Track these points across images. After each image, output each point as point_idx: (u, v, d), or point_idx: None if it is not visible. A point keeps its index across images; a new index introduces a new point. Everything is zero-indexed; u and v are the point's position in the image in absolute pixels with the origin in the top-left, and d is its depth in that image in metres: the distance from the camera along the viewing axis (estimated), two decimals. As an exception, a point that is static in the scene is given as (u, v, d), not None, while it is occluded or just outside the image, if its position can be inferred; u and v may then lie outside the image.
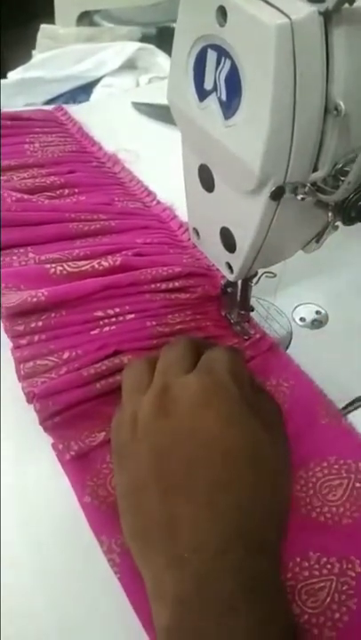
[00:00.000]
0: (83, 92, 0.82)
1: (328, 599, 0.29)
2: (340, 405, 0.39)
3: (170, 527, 0.28)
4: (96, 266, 0.41)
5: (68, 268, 0.41)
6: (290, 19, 0.25)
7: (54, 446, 0.35)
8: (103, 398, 0.37)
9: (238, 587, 0.26)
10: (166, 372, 0.33)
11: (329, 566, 0.30)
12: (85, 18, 0.95)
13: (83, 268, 0.41)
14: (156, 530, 0.28)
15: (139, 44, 0.84)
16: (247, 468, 0.30)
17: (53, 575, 0.31)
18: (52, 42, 0.86)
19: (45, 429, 0.36)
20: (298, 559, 0.31)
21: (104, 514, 0.32)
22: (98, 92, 0.80)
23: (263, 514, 0.29)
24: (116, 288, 0.41)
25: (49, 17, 0.90)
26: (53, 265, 0.41)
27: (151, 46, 0.83)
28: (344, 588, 0.30)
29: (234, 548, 0.27)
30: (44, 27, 0.87)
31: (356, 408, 0.39)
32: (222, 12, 0.27)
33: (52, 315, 0.39)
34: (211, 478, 0.29)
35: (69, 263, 0.41)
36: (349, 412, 0.38)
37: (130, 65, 0.83)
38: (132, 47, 0.83)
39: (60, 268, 0.40)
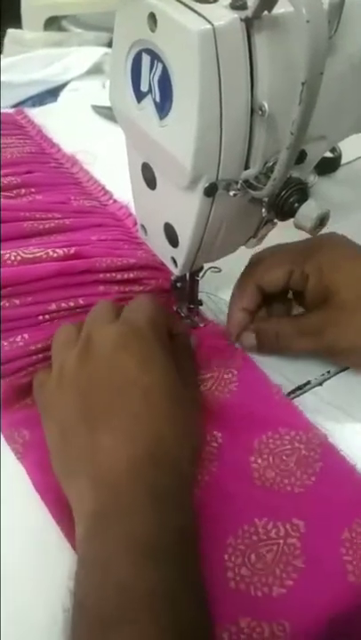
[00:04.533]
0: (50, 95, 0.83)
1: None
2: (286, 392, 0.41)
3: (91, 454, 0.31)
4: (50, 253, 0.43)
5: (23, 255, 0.42)
6: (213, 25, 0.26)
7: None
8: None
9: (145, 496, 0.29)
10: (90, 324, 0.37)
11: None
12: (53, 23, 0.96)
13: (37, 255, 0.42)
14: (81, 459, 0.32)
15: (105, 49, 0.85)
16: (161, 402, 0.33)
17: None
18: (19, 46, 0.87)
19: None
20: None
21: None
22: (64, 95, 0.82)
23: (175, 440, 0.32)
24: (70, 275, 0.42)
25: (16, 22, 0.91)
26: (8, 251, 0.42)
27: (117, 51, 0.85)
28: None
29: (145, 466, 0.31)
30: (10, 31, 0.88)
31: (299, 395, 0.41)
32: (153, 19, 0.28)
33: (7, 304, 0.40)
34: (128, 411, 0.32)
35: (24, 249, 0.42)
36: (293, 398, 0.41)
37: (96, 69, 0.84)
38: (98, 52, 0.84)
39: (15, 254, 0.42)
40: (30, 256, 0.42)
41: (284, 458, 0.35)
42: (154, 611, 0.26)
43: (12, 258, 0.42)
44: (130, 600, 0.26)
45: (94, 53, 0.84)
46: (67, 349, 0.36)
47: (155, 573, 0.27)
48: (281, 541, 0.32)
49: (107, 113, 0.65)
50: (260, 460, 0.35)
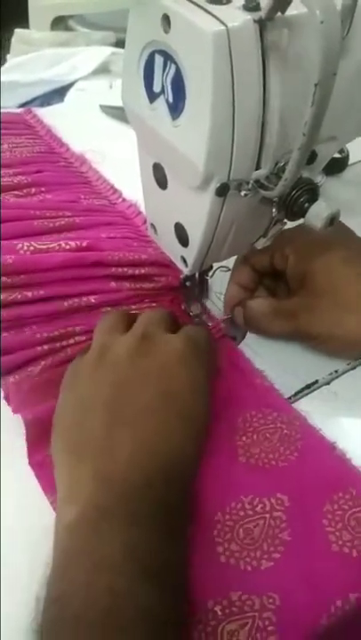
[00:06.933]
0: (57, 95, 0.83)
1: None
2: (294, 391, 0.41)
3: (107, 448, 0.31)
4: (63, 244, 0.43)
5: (36, 245, 0.42)
6: (226, 26, 0.27)
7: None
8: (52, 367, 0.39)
9: (155, 511, 0.30)
10: (148, 324, 0.36)
11: None
12: (60, 23, 0.96)
13: (50, 246, 0.42)
14: (93, 447, 0.31)
15: (112, 49, 0.85)
16: (194, 425, 0.33)
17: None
18: (26, 46, 0.87)
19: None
20: None
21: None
22: (71, 95, 0.82)
23: (191, 461, 0.33)
24: (82, 267, 0.42)
25: (23, 21, 0.91)
26: (20, 242, 0.42)
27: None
28: None
29: (158, 482, 0.30)
30: (18, 31, 0.88)
31: (307, 393, 0.41)
32: (166, 20, 0.28)
33: (19, 296, 0.40)
34: (158, 422, 0.32)
35: (37, 241, 0.42)
36: (301, 397, 0.41)
37: (104, 69, 0.84)
38: (105, 51, 0.85)
39: (28, 244, 0.42)
40: (43, 247, 0.42)
41: (267, 435, 0.37)
42: (143, 626, 0.26)
43: (25, 248, 0.42)
44: (120, 609, 0.26)
45: (101, 53, 0.84)
46: (113, 333, 0.36)
47: (150, 589, 0.27)
48: (267, 515, 0.34)
49: (114, 113, 0.65)
50: (244, 438, 0.37)
